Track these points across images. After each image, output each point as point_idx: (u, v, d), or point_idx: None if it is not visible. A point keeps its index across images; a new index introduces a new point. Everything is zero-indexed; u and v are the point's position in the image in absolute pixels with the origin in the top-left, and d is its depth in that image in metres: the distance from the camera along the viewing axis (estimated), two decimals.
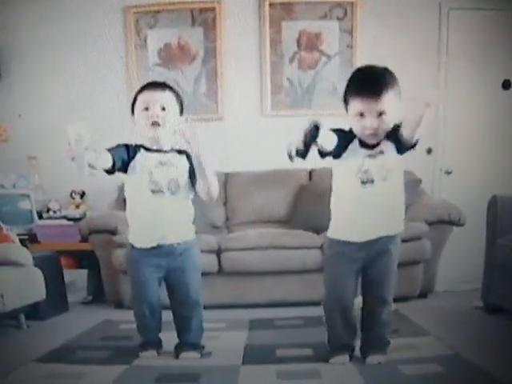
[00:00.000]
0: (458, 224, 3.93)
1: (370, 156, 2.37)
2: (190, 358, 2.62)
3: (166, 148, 2.57)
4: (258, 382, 2.32)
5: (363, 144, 2.39)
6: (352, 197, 2.42)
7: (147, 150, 2.54)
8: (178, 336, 2.70)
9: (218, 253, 3.86)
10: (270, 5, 4.74)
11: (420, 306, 3.74)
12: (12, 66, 4.83)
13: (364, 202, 2.39)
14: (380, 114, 2.28)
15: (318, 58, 4.82)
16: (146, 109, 2.50)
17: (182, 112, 2.63)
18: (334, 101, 4.71)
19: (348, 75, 2.43)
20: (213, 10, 4.76)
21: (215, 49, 4.81)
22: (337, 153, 2.38)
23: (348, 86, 2.37)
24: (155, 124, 2.49)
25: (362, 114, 2.29)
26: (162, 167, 2.52)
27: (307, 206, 4.36)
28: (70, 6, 4.80)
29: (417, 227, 3.84)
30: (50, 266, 3.72)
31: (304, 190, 4.50)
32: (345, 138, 2.36)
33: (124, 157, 2.46)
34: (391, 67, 2.41)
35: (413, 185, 4.28)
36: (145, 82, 2.70)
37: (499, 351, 2.59)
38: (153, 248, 2.54)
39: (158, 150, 2.55)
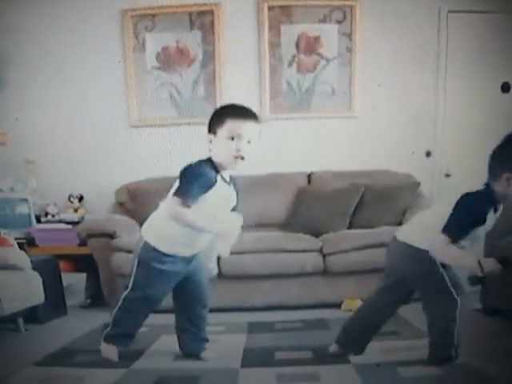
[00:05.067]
0: None
1: None
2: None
3: (228, 177, 2.52)
4: None
5: None
6: None
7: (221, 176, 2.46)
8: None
9: (217, 256, 3.85)
10: (269, 8, 4.75)
11: (419, 309, 3.71)
12: (10, 70, 4.82)
13: None
14: None
15: (316, 62, 4.81)
16: (232, 138, 2.38)
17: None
18: (333, 104, 4.73)
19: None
20: (211, 13, 4.76)
21: (214, 52, 4.81)
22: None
23: None
24: (240, 158, 2.40)
25: None
26: (226, 199, 2.50)
27: (306, 209, 4.35)
28: (68, 11, 4.80)
29: None
30: (49, 270, 3.71)
31: (303, 194, 4.49)
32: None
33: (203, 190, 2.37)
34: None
35: (411, 188, 4.28)
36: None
37: (498, 353, 2.59)
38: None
39: (225, 180, 2.49)
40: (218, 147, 2.40)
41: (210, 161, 2.43)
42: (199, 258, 2.65)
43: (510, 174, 2.21)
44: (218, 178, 2.41)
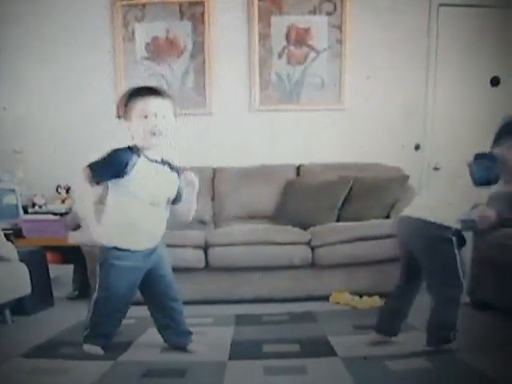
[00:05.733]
0: None
1: None
2: None
3: (158, 158, 2.53)
4: (244, 378, 2.31)
5: None
6: None
7: (146, 157, 2.48)
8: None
9: (205, 248, 3.84)
10: None
11: None
12: None
13: None
14: None
15: (306, 53, 4.80)
16: (146, 117, 2.43)
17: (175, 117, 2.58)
18: (323, 96, 4.72)
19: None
20: (202, 3, 4.74)
21: (203, 43, 4.79)
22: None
23: None
24: (157, 133, 2.43)
25: None
26: (159, 180, 2.51)
27: (295, 201, 4.35)
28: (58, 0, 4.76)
29: None
30: (36, 261, 3.69)
31: (292, 186, 4.48)
32: None
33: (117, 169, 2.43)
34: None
35: (400, 181, 4.28)
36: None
37: (486, 346, 2.60)
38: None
39: (154, 160, 2.51)
40: (135, 129, 2.46)
41: (131, 147, 2.47)
42: (160, 252, 2.63)
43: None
44: (141, 159, 2.45)
